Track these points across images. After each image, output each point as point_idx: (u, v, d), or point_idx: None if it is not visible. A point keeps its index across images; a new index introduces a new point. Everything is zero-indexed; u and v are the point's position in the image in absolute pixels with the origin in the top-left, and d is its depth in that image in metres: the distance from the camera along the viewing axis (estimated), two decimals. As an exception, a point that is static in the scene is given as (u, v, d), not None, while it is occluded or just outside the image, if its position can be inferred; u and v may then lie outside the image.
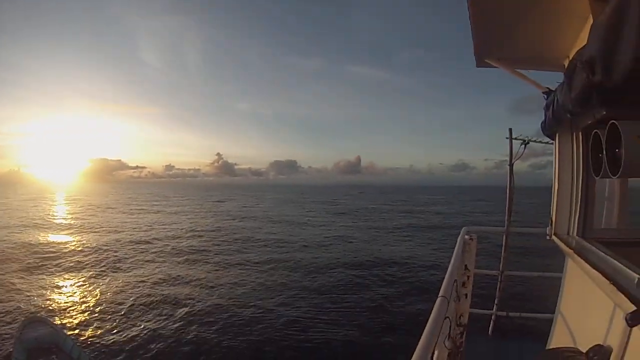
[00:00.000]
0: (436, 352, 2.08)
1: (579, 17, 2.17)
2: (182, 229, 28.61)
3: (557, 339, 3.00)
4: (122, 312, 10.57)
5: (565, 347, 2.08)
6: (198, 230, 28.03)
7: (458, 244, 3.25)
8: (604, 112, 2.13)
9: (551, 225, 3.25)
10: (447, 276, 2.15)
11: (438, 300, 1.70)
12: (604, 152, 1.79)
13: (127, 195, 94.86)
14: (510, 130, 5.23)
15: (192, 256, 18.71)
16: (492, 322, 5.00)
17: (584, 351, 1.86)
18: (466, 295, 3.53)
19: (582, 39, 1.45)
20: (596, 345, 1.82)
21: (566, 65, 2.28)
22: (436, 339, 1.38)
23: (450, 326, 2.03)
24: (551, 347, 3.12)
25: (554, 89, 2.55)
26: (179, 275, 14.68)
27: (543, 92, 2.95)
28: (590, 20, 1.42)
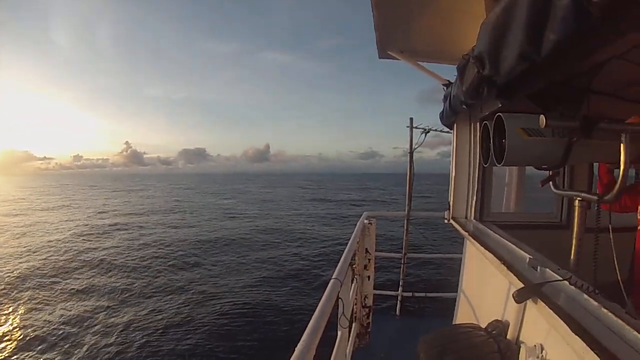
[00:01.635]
0: (339, 333, 2.18)
1: (476, 15, 2.28)
2: (87, 226, 25.67)
3: (461, 316, 3.22)
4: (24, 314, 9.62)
5: (467, 323, 2.22)
6: (107, 226, 25.56)
7: (357, 228, 3.32)
8: (493, 105, 2.30)
9: (449, 209, 3.44)
10: (342, 259, 2.21)
11: (331, 282, 1.76)
12: (492, 142, 1.88)
13: (35, 190, 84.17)
14: (411, 119, 5.59)
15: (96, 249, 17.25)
16: (398, 302, 5.26)
17: (484, 326, 1.99)
18: (369, 277, 3.65)
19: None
20: (495, 320, 1.96)
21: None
22: (326, 320, 1.41)
23: (344, 306, 2.11)
24: (455, 324, 3.32)
25: (453, 82, 2.68)
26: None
27: (443, 84, 3.09)
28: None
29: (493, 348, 1.71)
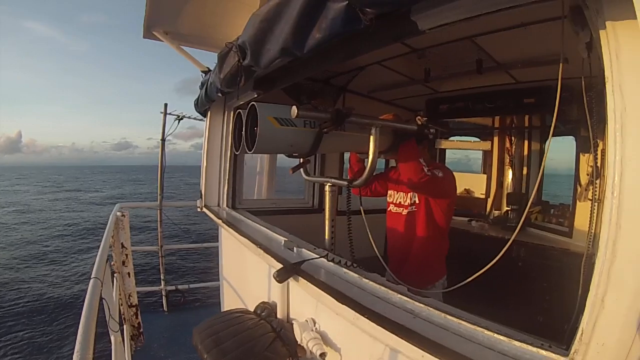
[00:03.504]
0: (112, 338, 2.02)
1: (249, 6, 2.28)
2: None
3: (228, 303, 3.23)
4: None
5: (235, 309, 2.22)
6: None
7: (110, 222, 3.07)
8: (250, 95, 2.36)
9: (202, 198, 3.41)
10: (98, 256, 2.04)
11: (91, 282, 1.62)
12: (244, 130, 1.90)
13: None
14: (165, 105, 5.52)
15: None
16: (164, 297, 5.10)
17: (252, 309, 2.04)
18: (129, 274, 3.42)
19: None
20: (262, 303, 2.01)
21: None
22: (95, 324, 1.33)
23: (110, 308, 1.99)
24: (223, 311, 3.35)
25: (212, 70, 2.59)
26: None
27: (202, 71, 2.99)
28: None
29: (267, 328, 1.76)
